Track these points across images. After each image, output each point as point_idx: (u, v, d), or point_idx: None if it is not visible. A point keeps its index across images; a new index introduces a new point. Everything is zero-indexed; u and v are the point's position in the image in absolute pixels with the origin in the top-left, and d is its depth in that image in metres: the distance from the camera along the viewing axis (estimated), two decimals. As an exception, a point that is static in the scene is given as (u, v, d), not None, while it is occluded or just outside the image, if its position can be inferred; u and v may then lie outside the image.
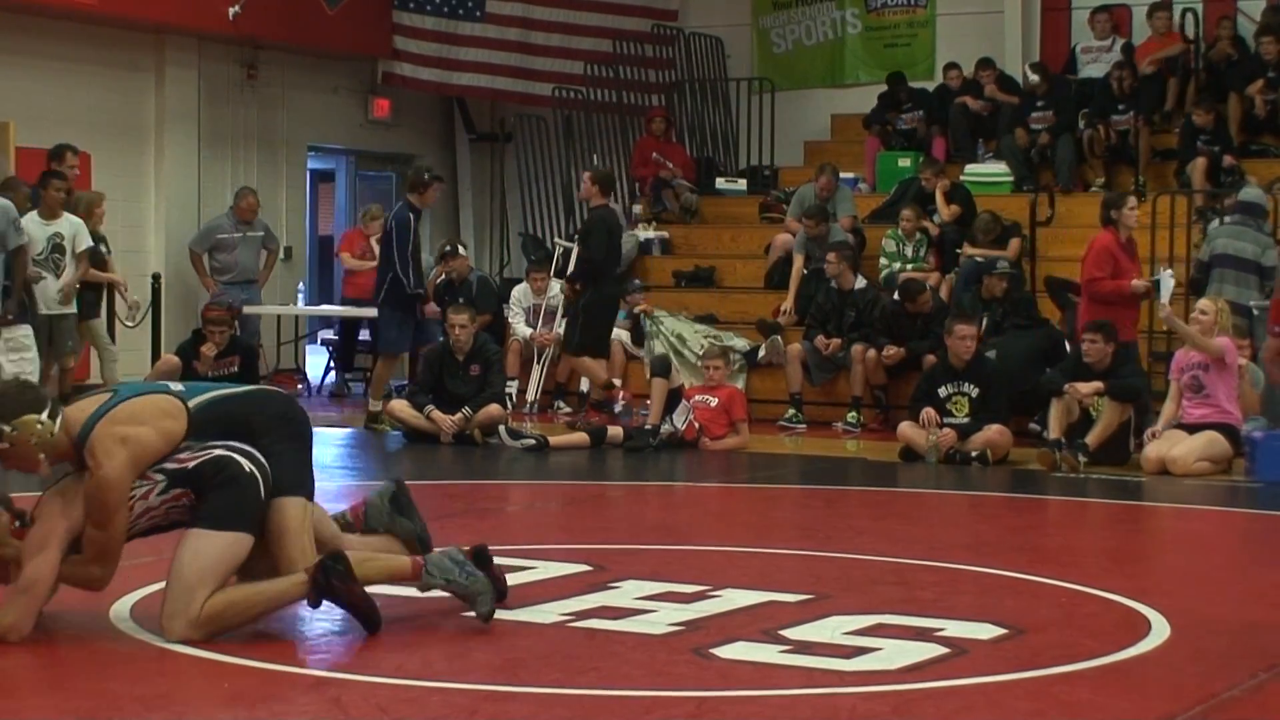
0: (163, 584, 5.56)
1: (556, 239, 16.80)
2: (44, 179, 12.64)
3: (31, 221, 12.49)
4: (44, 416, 5.21)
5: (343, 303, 16.62)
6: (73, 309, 12.72)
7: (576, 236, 13.88)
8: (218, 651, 5.09)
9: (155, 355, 14.36)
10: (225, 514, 5.27)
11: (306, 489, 5.51)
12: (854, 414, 13.33)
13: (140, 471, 5.26)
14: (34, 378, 11.92)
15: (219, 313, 12.01)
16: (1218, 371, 10.85)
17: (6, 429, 5.18)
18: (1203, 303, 11.28)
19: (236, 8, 15.78)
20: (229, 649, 5.10)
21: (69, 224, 12.61)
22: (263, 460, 5.36)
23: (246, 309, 15.02)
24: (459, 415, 11.78)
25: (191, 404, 5.36)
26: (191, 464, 5.30)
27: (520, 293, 15.13)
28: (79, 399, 5.48)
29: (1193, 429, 10.79)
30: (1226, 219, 12.80)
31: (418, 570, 5.45)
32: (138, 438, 5.22)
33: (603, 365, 13.27)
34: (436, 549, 5.70)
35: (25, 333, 12.38)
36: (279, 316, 16.31)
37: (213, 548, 5.24)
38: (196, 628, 5.19)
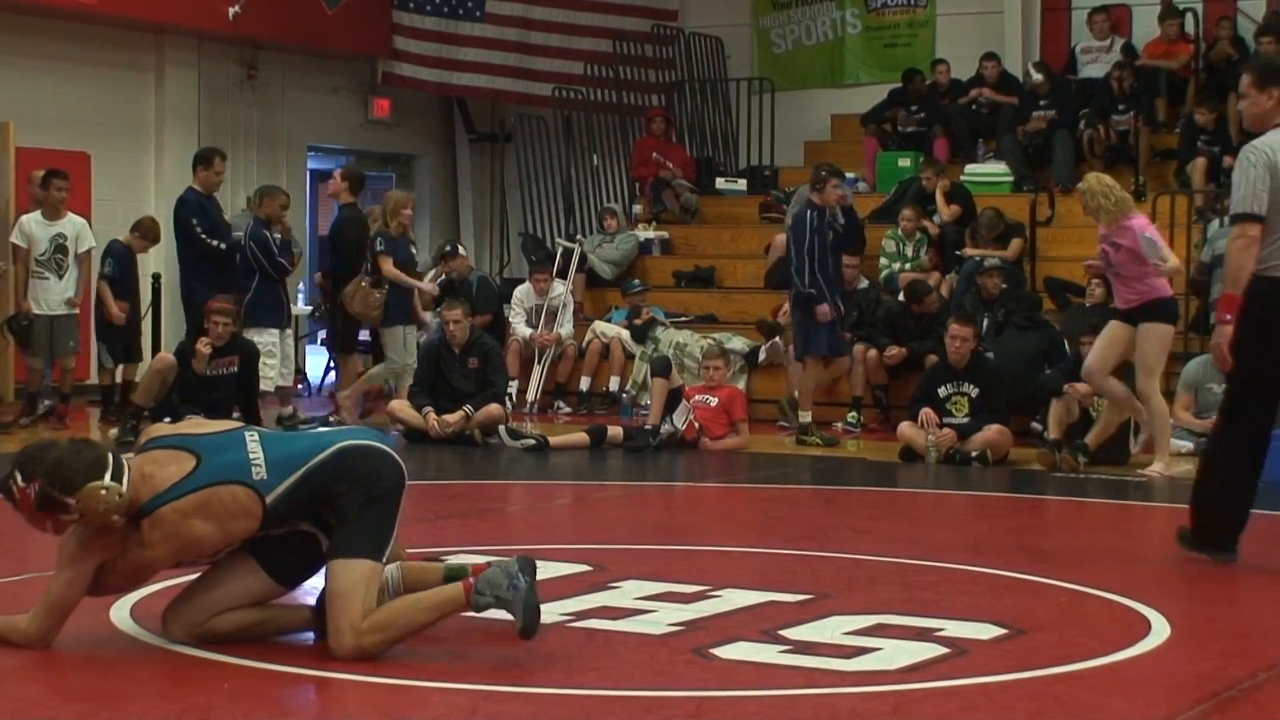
0: (162, 585, 5.58)
1: (557, 239, 16.81)
2: (46, 179, 12.63)
3: (35, 222, 12.50)
4: (107, 480, 4.94)
5: (343, 303, 16.59)
6: (72, 310, 12.66)
7: (330, 235, 13.98)
8: (217, 651, 5.08)
9: (154, 356, 14.32)
10: (280, 565, 5.21)
11: (372, 550, 5.11)
12: (854, 414, 13.33)
13: (181, 561, 5.17)
14: (286, 380, 12.97)
15: (223, 303, 11.86)
16: (1129, 251, 10.20)
17: (71, 502, 4.96)
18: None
19: (236, 8, 15.79)
20: (229, 649, 5.10)
21: (72, 224, 12.59)
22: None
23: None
24: (459, 414, 11.77)
25: (269, 499, 5.06)
26: (275, 533, 5.18)
27: (522, 293, 15.16)
28: (164, 448, 5.14)
29: (1124, 315, 10.23)
30: (1228, 219, 12.76)
31: (469, 592, 5.11)
32: (194, 537, 5.02)
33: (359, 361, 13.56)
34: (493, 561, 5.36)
35: (272, 339, 12.77)
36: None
37: (249, 580, 5.20)
38: (194, 636, 5.18)
